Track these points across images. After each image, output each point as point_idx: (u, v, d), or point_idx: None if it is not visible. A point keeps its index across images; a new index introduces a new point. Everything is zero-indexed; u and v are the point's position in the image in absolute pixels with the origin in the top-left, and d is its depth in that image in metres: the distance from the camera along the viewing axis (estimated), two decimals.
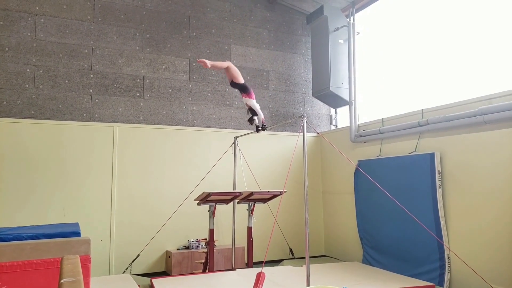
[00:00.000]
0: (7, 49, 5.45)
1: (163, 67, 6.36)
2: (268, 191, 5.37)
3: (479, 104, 4.47)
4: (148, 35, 6.30)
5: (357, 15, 6.75)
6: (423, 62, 5.68)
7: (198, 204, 5.10)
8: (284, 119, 7.08)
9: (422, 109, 5.24)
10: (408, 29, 5.98)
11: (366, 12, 6.78)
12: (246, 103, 5.02)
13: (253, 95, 5.03)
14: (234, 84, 5.09)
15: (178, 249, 5.97)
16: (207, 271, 5.23)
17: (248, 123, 5.08)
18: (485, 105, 4.38)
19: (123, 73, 6.09)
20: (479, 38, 4.93)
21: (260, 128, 5.04)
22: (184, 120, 6.41)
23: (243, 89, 5.03)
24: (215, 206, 5.15)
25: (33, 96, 5.54)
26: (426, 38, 5.66)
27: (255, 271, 4.23)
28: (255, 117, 4.96)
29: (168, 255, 5.91)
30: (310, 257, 4.31)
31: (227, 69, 5.06)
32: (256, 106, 4.98)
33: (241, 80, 5.06)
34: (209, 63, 4.90)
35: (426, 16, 5.71)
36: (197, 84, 6.57)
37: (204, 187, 5.68)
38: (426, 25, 5.68)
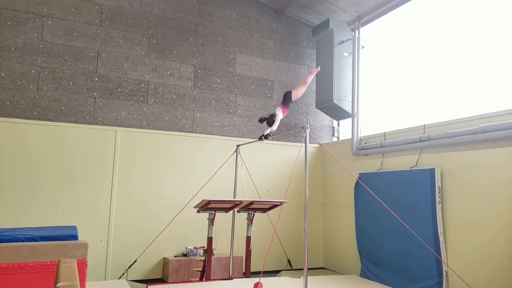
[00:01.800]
0: (13, 49, 5.49)
1: (168, 73, 6.39)
2: (269, 201, 5.35)
3: (481, 121, 4.47)
4: (154, 41, 6.34)
5: (362, 29, 6.80)
6: (426, 78, 5.69)
7: (198, 211, 5.08)
8: (286, 130, 7.08)
9: (424, 125, 5.24)
10: (412, 45, 6.01)
11: (371, 26, 6.83)
12: (275, 111, 5.15)
13: (285, 113, 5.25)
14: (288, 94, 5.30)
15: (175, 256, 5.94)
16: (204, 279, 5.19)
17: (258, 121, 5.28)
18: (486, 123, 4.38)
19: (128, 78, 6.12)
20: (482, 56, 4.95)
21: (263, 137, 5.07)
22: (187, 126, 6.42)
23: (287, 103, 5.24)
24: (215, 214, 5.13)
25: (37, 97, 5.56)
26: (430, 54, 5.68)
27: (252, 281, 4.19)
28: (269, 128, 5.10)
29: (165, 261, 5.87)
30: (308, 268, 4.28)
31: (303, 85, 5.46)
32: (278, 121, 5.11)
33: (294, 98, 5.37)
34: (314, 74, 5.52)
35: (430, 33, 5.73)
36: (201, 91, 6.59)
37: (204, 194, 5.66)
38: (430, 41, 5.71)
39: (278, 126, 7.05)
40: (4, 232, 3.43)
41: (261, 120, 5.16)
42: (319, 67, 5.41)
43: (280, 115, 5.06)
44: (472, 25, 5.15)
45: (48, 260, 3.04)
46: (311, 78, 5.45)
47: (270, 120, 5.05)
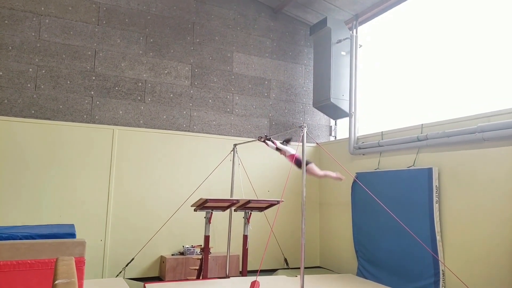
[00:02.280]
0: (10, 48, 5.47)
1: (165, 72, 6.39)
2: (265, 200, 5.37)
3: (478, 121, 4.49)
4: (151, 40, 6.33)
5: (360, 28, 6.81)
6: (424, 77, 5.72)
7: (195, 210, 5.09)
8: (284, 129, 7.09)
9: (422, 124, 5.26)
10: (410, 44, 6.03)
11: (369, 25, 6.85)
12: (288, 148, 5.12)
13: (289, 158, 5.04)
14: (300, 162, 4.81)
15: (172, 255, 5.94)
16: (201, 278, 5.19)
17: (284, 141, 5.21)
18: (484, 123, 4.40)
19: (125, 76, 6.11)
20: (480, 56, 4.97)
21: (266, 138, 5.18)
22: (184, 125, 6.42)
23: (297, 163, 4.91)
24: (212, 212, 5.14)
25: (34, 96, 5.55)
26: (428, 53, 5.70)
27: (249, 279, 4.20)
28: (285, 144, 5.15)
29: (162, 260, 5.88)
30: (305, 267, 4.29)
31: (320, 176, 5.32)
32: (286, 148, 5.11)
33: (301, 167, 4.77)
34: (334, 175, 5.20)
35: (427, 32, 5.76)
36: (199, 90, 6.59)
37: (201, 193, 5.67)
38: (427, 41, 5.73)
39: (275, 125, 7.08)
40: (2, 230, 3.43)
41: (287, 141, 5.18)
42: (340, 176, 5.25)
43: (288, 149, 5.08)
44: (469, 24, 5.17)
45: (46, 258, 3.04)
46: (319, 172, 5.22)
47: (286, 143, 5.16)
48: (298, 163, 4.83)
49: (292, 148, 5.04)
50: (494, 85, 4.78)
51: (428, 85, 5.64)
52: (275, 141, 5.20)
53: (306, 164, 4.72)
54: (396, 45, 6.33)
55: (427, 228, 4.87)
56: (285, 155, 5.09)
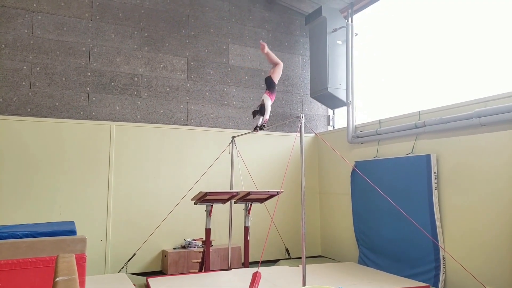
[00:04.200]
0: (3, 46, 5.43)
1: (161, 66, 6.35)
2: (265, 191, 5.37)
3: (476, 106, 4.49)
4: (146, 34, 6.29)
5: (355, 16, 6.77)
6: (421, 64, 5.70)
7: (195, 203, 5.10)
8: (281, 120, 7.08)
9: (419, 111, 5.26)
10: (406, 31, 6.00)
11: (364, 13, 6.80)
12: (262, 99, 5.05)
13: (273, 98, 5.12)
14: (269, 79, 5.18)
15: (174, 249, 5.96)
16: (203, 270, 5.22)
17: (252, 114, 5.13)
18: (481, 108, 4.39)
19: (121, 72, 6.07)
20: (476, 40, 4.95)
21: (258, 128, 5.05)
22: (182, 119, 6.40)
23: (271, 87, 5.11)
24: (212, 205, 5.15)
25: (30, 94, 5.52)
26: (424, 40, 5.68)
27: (251, 271, 4.22)
28: (259, 116, 5.02)
29: (164, 254, 5.90)
30: (306, 257, 4.32)
31: (276, 65, 5.22)
32: (268, 108, 5.01)
33: (276, 81, 5.21)
34: (266, 49, 5.16)
35: (424, 18, 5.72)
36: (195, 83, 6.57)
37: (201, 186, 5.68)
38: (424, 27, 5.70)
39: (273, 116, 7.06)
40: (2, 229, 3.42)
41: (254, 113, 5.05)
42: (262, 43, 5.20)
43: (268, 102, 5.00)
44: (466, 10, 5.14)
45: (47, 256, 3.05)
46: (272, 56, 5.24)
47: (262, 110, 5.01)
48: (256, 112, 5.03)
49: (267, 112, 5.01)
50: (490, 70, 4.76)
51: (425, 72, 5.62)
52: (261, 123, 5.10)
53: (269, 79, 5.12)
54: (392, 33, 6.29)
55: (426, 214, 4.89)
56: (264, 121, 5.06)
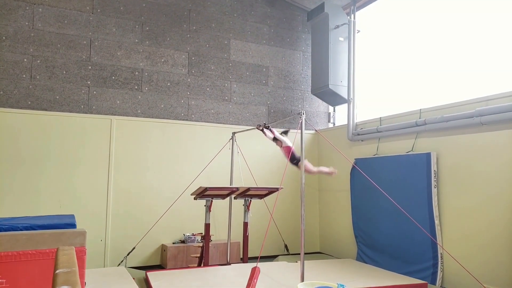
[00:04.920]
0: (4, 38, 5.41)
1: (162, 60, 6.34)
2: (265, 187, 5.38)
3: (477, 105, 4.48)
4: (147, 28, 6.27)
5: (358, 13, 6.74)
6: (422, 62, 5.68)
7: (195, 198, 5.11)
8: (282, 116, 7.07)
9: (420, 109, 5.25)
10: (408, 29, 5.98)
11: (366, 10, 6.78)
12: (281, 141, 4.97)
13: (289, 150, 4.87)
14: (294, 158, 4.84)
15: (173, 243, 5.98)
16: (202, 265, 5.24)
17: (293, 162, 4.92)
18: (482, 106, 4.39)
19: (122, 66, 6.06)
20: (478, 39, 4.94)
21: (263, 126, 5.14)
22: (182, 114, 6.40)
23: (294, 160, 4.84)
24: (212, 201, 5.16)
25: (30, 87, 5.51)
26: (426, 38, 5.66)
27: (250, 266, 4.24)
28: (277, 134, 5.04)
29: (163, 248, 5.92)
30: (305, 253, 4.33)
31: (311, 170, 4.95)
32: (284, 139, 5.00)
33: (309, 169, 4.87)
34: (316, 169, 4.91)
35: (426, 17, 5.71)
36: (196, 78, 6.55)
37: (201, 181, 5.68)
38: (426, 25, 5.69)
39: (274, 112, 7.06)
40: (2, 222, 3.43)
41: (293, 160, 4.87)
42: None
43: (289, 143, 4.92)
44: (468, 8, 5.12)
45: (47, 248, 3.06)
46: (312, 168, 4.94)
47: (284, 135, 5.10)
48: (292, 157, 4.79)
49: (289, 140, 4.98)
50: (492, 69, 4.76)
51: (426, 70, 5.61)
52: (273, 130, 5.17)
53: (300, 161, 4.58)
54: (394, 30, 6.27)
55: (425, 212, 4.90)
56: (281, 146, 5.00)
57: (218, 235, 6.33)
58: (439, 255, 4.76)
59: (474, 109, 4.45)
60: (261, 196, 5.50)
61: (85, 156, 5.66)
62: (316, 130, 5.77)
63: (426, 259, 4.88)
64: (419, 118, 5.18)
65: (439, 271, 4.72)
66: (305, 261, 4.18)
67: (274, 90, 7.15)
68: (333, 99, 6.78)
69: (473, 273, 4.19)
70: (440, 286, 4.66)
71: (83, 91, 5.80)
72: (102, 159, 5.75)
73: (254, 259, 4.93)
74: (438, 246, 4.74)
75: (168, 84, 6.35)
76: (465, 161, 4.62)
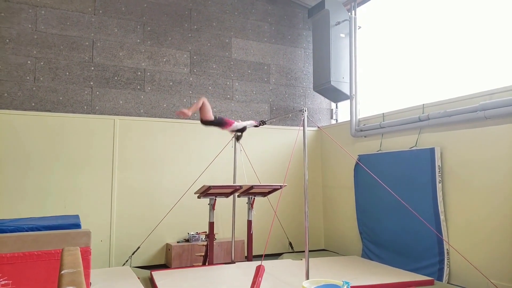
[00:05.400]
0: (7, 40, 5.44)
1: (164, 60, 6.34)
2: (268, 185, 5.38)
3: (480, 99, 4.46)
4: (149, 28, 6.28)
5: (358, 9, 6.71)
6: (425, 57, 5.66)
7: (198, 197, 5.12)
8: (284, 113, 7.07)
9: (423, 104, 5.23)
10: (410, 23, 5.95)
11: (367, 6, 6.75)
12: (231, 132, 5.14)
13: (231, 121, 5.03)
14: (206, 122, 4.84)
15: (178, 242, 6.00)
16: (206, 264, 5.25)
17: (236, 139, 5.34)
18: (486, 100, 4.37)
19: (124, 66, 6.08)
20: (481, 33, 4.91)
21: (261, 122, 5.20)
22: None
23: (220, 125, 4.97)
24: (215, 199, 5.17)
25: (34, 88, 5.53)
26: (428, 32, 5.63)
27: (254, 264, 4.25)
28: (243, 132, 5.19)
29: (168, 247, 5.94)
30: (310, 251, 4.33)
31: (202, 106, 4.76)
32: (240, 124, 5.11)
33: (210, 117, 4.80)
34: (187, 111, 4.67)
35: (427, 11, 5.67)
36: (198, 77, 6.56)
37: (204, 180, 5.69)
38: (427, 19, 5.66)
39: (276, 110, 7.06)
40: (7, 223, 3.46)
41: (238, 138, 5.34)
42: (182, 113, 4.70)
43: (233, 127, 5.10)
44: (470, 2, 5.09)
45: (52, 249, 3.07)
46: (193, 108, 4.77)
47: (240, 131, 5.23)
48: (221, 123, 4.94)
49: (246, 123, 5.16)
50: (495, 62, 4.73)
51: (429, 65, 5.58)
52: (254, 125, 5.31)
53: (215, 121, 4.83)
54: (395, 25, 6.24)
55: (430, 208, 4.88)
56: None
57: (222, 233, 6.34)
58: (445, 251, 4.74)
59: (477, 103, 4.42)
60: (264, 194, 5.51)
61: (89, 156, 5.68)
62: (318, 127, 5.75)
63: (432, 255, 4.87)
64: (422, 113, 5.16)
65: (445, 267, 4.70)
66: (310, 259, 4.17)
67: (276, 88, 7.15)
68: (335, 95, 6.77)
69: (480, 268, 4.17)
70: (447, 282, 4.65)
71: (86, 92, 5.82)
72: (106, 159, 5.77)
73: (259, 257, 4.94)
74: (444, 241, 4.72)
75: (170, 83, 6.35)
76: (469, 155, 4.60)
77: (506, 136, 4.22)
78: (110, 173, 5.78)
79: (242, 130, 5.16)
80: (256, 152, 6.55)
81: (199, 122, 6.36)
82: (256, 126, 5.42)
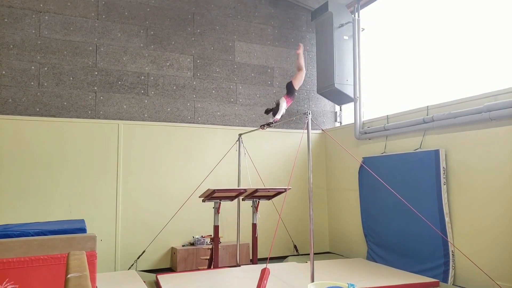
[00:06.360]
0: (11, 46, 5.48)
1: (167, 64, 6.37)
2: (273, 188, 5.37)
3: (485, 100, 4.44)
4: (152, 32, 6.30)
5: (362, 11, 6.72)
6: (429, 59, 5.64)
7: (203, 201, 5.12)
8: (288, 116, 7.05)
9: (427, 106, 5.22)
10: (414, 25, 5.95)
11: (371, 8, 6.75)
12: (279, 100, 5.09)
13: (290, 103, 5.17)
14: (290, 85, 5.18)
15: (183, 246, 6.00)
16: (212, 267, 5.25)
17: (265, 112, 5.24)
18: (491, 102, 4.35)
19: (128, 70, 6.10)
20: (485, 34, 4.89)
21: (265, 125, 5.10)
22: (189, 117, 6.42)
23: (291, 93, 5.15)
24: (220, 203, 5.16)
25: (38, 94, 5.57)
26: (432, 34, 5.62)
27: (259, 267, 4.24)
28: (273, 116, 5.06)
29: (173, 251, 5.94)
30: (315, 253, 4.32)
31: (299, 71, 5.21)
32: (282, 110, 5.05)
33: (297, 87, 5.21)
34: (301, 50, 5.23)
35: (431, 12, 5.67)
36: (201, 81, 6.58)
37: (208, 184, 5.69)
38: (431, 21, 5.65)
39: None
40: (13, 228, 3.47)
41: (268, 111, 5.16)
42: (301, 45, 5.29)
43: (284, 104, 5.04)
44: (475, 3, 5.08)
45: (58, 253, 3.08)
46: (302, 60, 5.25)
47: (275, 110, 5.06)
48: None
49: (279, 113, 5.04)
50: (500, 63, 4.71)
51: (433, 66, 5.57)
52: (270, 122, 5.16)
53: (289, 84, 5.11)
54: (399, 27, 6.24)
55: (435, 210, 4.86)
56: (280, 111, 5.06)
57: (227, 236, 6.33)
58: (451, 253, 4.71)
59: (482, 104, 4.41)
60: (269, 197, 5.50)
61: (94, 161, 5.70)
62: (322, 130, 5.76)
63: (437, 257, 4.84)
64: (427, 115, 5.15)
65: (450, 269, 4.67)
66: (315, 261, 4.16)
67: (279, 91, 7.15)
68: (339, 98, 6.76)
69: (485, 270, 4.14)
70: (452, 284, 4.62)
71: (90, 97, 5.85)
72: (110, 164, 5.79)
73: (264, 260, 4.93)
74: (449, 243, 4.69)
75: (174, 87, 6.37)
76: (474, 157, 4.58)
77: (511, 138, 4.19)
78: (115, 177, 5.80)
79: (275, 112, 5.08)
80: (260, 155, 6.55)
81: (203, 125, 6.42)
82: (264, 125, 5.23)
